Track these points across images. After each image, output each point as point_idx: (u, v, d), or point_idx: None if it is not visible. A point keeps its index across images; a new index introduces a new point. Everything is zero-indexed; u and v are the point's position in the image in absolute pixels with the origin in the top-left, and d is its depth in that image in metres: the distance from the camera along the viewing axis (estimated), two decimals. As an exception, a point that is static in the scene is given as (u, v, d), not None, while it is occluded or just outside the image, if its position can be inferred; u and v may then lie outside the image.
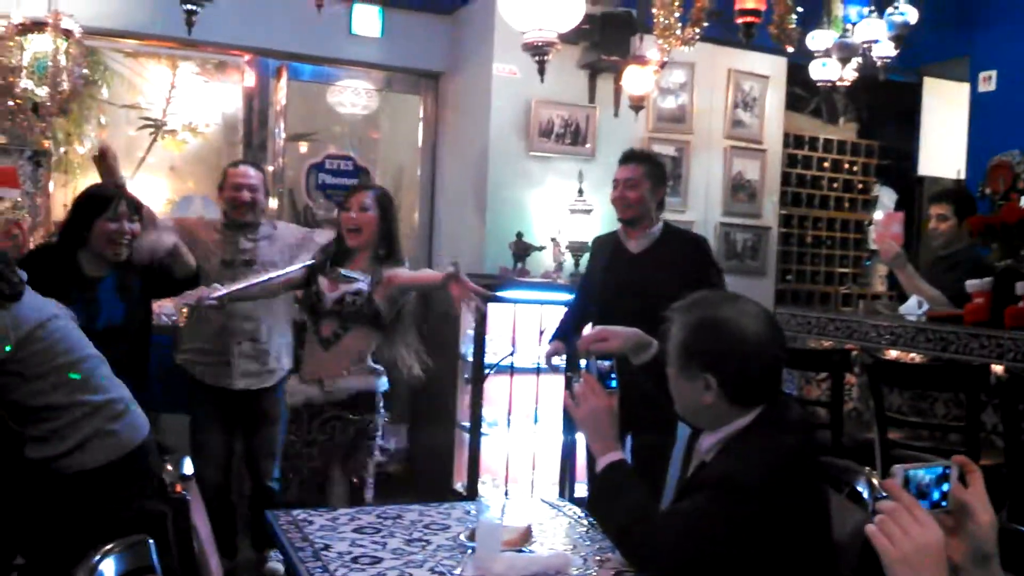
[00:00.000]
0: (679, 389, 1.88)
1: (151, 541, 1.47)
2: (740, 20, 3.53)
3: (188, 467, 1.94)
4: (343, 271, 3.30)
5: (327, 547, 2.06)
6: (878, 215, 4.68)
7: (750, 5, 3.50)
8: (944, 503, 1.23)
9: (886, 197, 6.70)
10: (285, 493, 3.33)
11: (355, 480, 3.32)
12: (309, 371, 3.29)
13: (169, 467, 1.88)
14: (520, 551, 2.08)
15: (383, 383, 3.35)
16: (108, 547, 1.41)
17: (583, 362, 2.20)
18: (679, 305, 1.91)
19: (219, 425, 3.80)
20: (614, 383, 2.06)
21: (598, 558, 2.08)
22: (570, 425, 4.03)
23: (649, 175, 3.62)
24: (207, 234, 3.80)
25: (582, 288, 3.97)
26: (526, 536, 2.15)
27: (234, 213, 3.78)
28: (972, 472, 1.25)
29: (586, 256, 4.12)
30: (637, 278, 3.53)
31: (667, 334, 1.90)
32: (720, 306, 1.85)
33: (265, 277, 3.41)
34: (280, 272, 3.45)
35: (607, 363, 2.08)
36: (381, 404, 3.34)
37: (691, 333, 1.84)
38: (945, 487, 1.23)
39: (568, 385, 3.87)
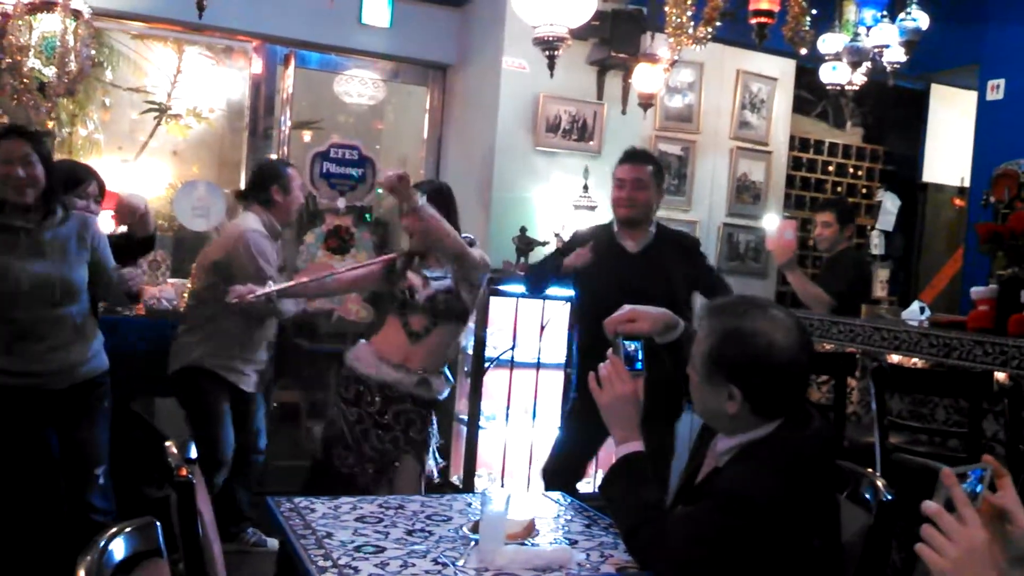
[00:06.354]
0: (701, 394, 1.84)
1: (158, 524, 1.46)
2: (754, 20, 3.51)
3: (193, 451, 1.92)
4: (427, 272, 3.26)
5: (330, 535, 2.06)
6: (773, 222, 5.02)
7: (764, 6, 3.49)
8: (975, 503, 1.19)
9: (889, 203, 6.68)
10: (332, 465, 3.21)
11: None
12: (389, 353, 3.23)
13: (174, 450, 1.86)
14: (523, 544, 2.08)
15: (446, 393, 3.37)
16: (115, 529, 1.40)
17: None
18: (708, 307, 1.87)
19: (231, 417, 3.85)
20: (640, 365, 2.02)
21: (601, 554, 2.08)
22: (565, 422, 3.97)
23: (655, 175, 3.60)
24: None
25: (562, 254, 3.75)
26: (530, 529, 2.15)
27: (295, 217, 3.94)
28: (1002, 476, 1.23)
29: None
30: (636, 277, 3.50)
31: (693, 335, 1.85)
32: (752, 315, 1.77)
33: (327, 274, 3.50)
34: (344, 268, 3.57)
35: (634, 344, 2.04)
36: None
37: (719, 342, 1.77)
38: (979, 488, 1.20)
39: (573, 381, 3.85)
